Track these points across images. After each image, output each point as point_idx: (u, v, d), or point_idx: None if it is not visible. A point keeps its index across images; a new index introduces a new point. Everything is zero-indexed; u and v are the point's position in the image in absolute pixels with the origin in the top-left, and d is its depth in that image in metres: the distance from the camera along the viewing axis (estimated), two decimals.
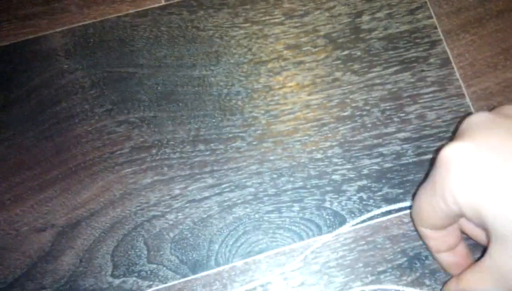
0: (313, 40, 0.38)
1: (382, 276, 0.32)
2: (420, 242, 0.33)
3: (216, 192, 0.35)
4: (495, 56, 0.38)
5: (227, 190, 0.35)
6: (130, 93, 0.37)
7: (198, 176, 0.35)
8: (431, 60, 0.37)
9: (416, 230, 0.30)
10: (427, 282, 0.32)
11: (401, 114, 0.36)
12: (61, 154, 0.36)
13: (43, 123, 0.37)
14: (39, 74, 0.38)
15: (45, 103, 0.37)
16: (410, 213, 0.33)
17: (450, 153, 0.25)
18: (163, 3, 0.39)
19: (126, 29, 0.39)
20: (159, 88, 0.37)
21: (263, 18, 0.39)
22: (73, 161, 0.36)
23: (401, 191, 0.34)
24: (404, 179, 0.35)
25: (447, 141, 0.29)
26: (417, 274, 0.32)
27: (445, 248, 0.29)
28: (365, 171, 0.35)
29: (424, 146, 0.35)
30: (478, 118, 0.26)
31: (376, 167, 0.35)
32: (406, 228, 0.33)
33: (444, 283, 0.31)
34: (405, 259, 0.33)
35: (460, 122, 0.28)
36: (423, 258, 0.32)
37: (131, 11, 0.39)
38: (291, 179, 0.35)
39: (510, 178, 0.23)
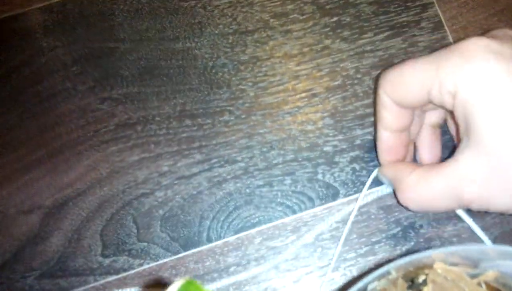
0: (300, 7, 0.38)
1: (376, 246, 0.32)
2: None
3: (206, 167, 0.35)
4: (489, 18, 0.37)
5: (217, 165, 0.35)
6: (113, 69, 0.37)
7: (186, 152, 0.35)
8: (423, 24, 0.37)
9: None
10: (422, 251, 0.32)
11: None
12: (45, 133, 0.36)
13: (25, 103, 0.36)
14: (18, 53, 0.38)
15: (26, 82, 0.37)
16: (378, 75, 0.32)
17: (479, 46, 0.24)
18: None
19: (106, 3, 0.38)
20: (141, 63, 0.37)
21: None
22: (57, 141, 0.35)
23: None
24: None
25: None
26: (412, 243, 0.32)
27: (396, 127, 0.29)
28: (358, 141, 0.35)
29: None
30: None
31: (368, 137, 0.35)
32: None
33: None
34: (399, 228, 0.33)
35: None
36: (418, 227, 0.32)
37: None
38: (282, 152, 0.35)
39: None
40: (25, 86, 0.37)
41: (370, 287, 0.20)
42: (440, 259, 0.20)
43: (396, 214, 0.33)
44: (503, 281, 0.19)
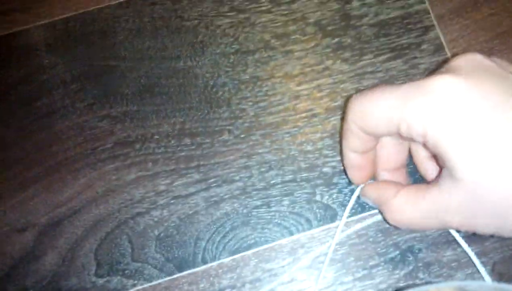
0: (302, 28, 0.38)
1: (374, 270, 0.32)
2: (413, 235, 0.32)
3: (203, 187, 0.35)
4: (490, 40, 0.37)
5: (214, 185, 0.35)
6: (112, 87, 0.37)
7: (184, 171, 0.35)
8: (424, 46, 0.37)
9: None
10: (421, 275, 0.32)
11: None
12: (42, 151, 0.36)
13: (23, 120, 0.37)
14: (19, 70, 0.38)
15: (26, 99, 0.37)
16: (347, 99, 0.32)
17: (442, 84, 0.24)
18: None
19: (108, 21, 0.39)
20: (142, 81, 0.37)
21: (249, 6, 0.38)
22: (54, 158, 0.36)
23: None
24: None
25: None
26: (410, 267, 0.32)
27: (362, 150, 0.29)
28: None
29: None
30: (472, 59, 0.26)
31: None
32: None
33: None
34: (397, 252, 0.32)
35: (450, 58, 0.27)
36: (416, 251, 0.32)
37: (112, 3, 0.39)
38: (281, 172, 0.35)
39: (493, 128, 0.23)
40: (24, 103, 0.37)
41: None
42: None
43: (395, 237, 0.33)
44: None
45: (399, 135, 0.27)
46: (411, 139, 0.27)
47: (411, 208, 0.27)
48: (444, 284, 0.19)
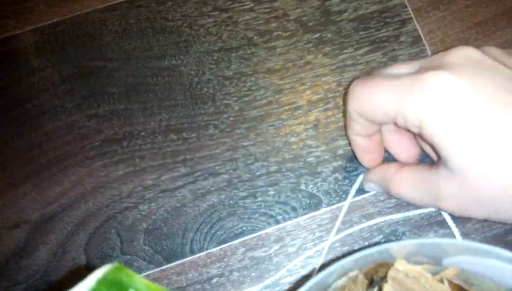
0: (284, 25, 0.39)
1: None
2: (396, 219, 0.33)
3: (190, 180, 0.36)
4: (467, 31, 0.39)
5: (201, 178, 0.36)
6: (100, 87, 0.38)
7: (171, 166, 0.36)
8: (402, 38, 0.38)
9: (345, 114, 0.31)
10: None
11: None
12: (32, 150, 0.37)
13: (14, 122, 0.38)
14: (9, 74, 0.39)
15: (16, 101, 0.38)
16: (348, 86, 0.33)
17: (436, 80, 0.25)
18: None
19: (95, 24, 0.40)
20: (128, 80, 0.38)
21: (232, 6, 0.40)
22: (44, 157, 0.37)
23: None
24: None
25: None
26: None
27: (365, 134, 0.31)
28: (340, 152, 0.36)
29: None
30: (464, 53, 0.27)
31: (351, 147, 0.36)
32: (382, 205, 0.34)
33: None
34: (381, 236, 0.33)
35: (446, 49, 0.28)
36: (400, 234, 0.33)
37: (99, 7, 0.41)
38: (265, 163, 0.36)
39: (485, 121, 0.24)
40: (14, 105, 0.38)
41: (333, 285, 0.20)
42: (401, 258, 0.20)
43: (378, 221, 0.34)
44: (464, 278, 0.20)
45: (396, 124, 0.28)
46: (407, 129, 0.28)
47: (410, 186, 0.29)
48: (403, 242, 0.20)
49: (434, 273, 0.20)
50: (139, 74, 0.39)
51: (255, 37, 0.39)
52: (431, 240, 0.20)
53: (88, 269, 0.34)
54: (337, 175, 0.35)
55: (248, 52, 0.39)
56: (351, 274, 0.20)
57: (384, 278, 0.19)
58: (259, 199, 0.35)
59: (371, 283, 0.20)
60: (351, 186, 0.35)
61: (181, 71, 0.39)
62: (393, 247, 0.20)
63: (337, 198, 0.34)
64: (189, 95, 0.38)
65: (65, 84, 0.39)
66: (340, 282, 0.20)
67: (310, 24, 0.39)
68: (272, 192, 0.35)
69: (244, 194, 0.35)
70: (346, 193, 0.34)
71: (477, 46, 0.35)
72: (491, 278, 0.20)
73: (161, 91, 0.38)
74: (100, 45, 0.40)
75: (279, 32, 0.39)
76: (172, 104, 0.38)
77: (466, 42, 0.38)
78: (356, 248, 0.33)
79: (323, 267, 0.33)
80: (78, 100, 0.38)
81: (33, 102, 0.38)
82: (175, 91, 0.38)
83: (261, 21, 0.40)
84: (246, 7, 0.40)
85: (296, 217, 0.34)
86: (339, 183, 0.35)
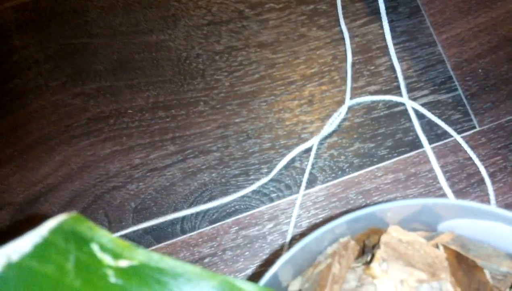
0: None
1: None
2: (393, 195, 0.33)
3: (179, 158, 0.35)
4: (467, 1, 0.38)
5: (191, 156, 0.35)
6: (85, 64, 0.38)
7: (159, 144, 0.36)
8: (400, 9, 0.38)
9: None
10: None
11: (371, 67, 0.37)
12: (16, 131, 0.37)
13: None
14: None
15: None
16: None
17: None
18: None
19: (79, 0, 0.40)
20: (114, 57, 0.38)
21: None
22: (29, 137, 0.36)
23: (372, 145, 0.35)
24: (376, 132, 0.35)
25: None
26: None
27: None
28: (335, 127, 0.35)
29: (395, 97, 0.36)
30: None
31: (346, 122, 0.35)
32: (379, 181, 0.34)
33: None
34: None
35: None
36: None
37: None
38: (258, 140, 0.35)
39: None
40: None
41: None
42: (395, 224, 0.20)
43: (375, 198, 0.33)
44: (461, 243, 0.19)
45: None
46: None
47: None
48: (400, 202, 0.19)
49: (429, 239, 0.20)
50: (125, 50, 0.38)
51: (246, 10, 0.39)
52: (426, 199, 0.19)
53: None
54: (332, 151, 0.35)
55: (239, 25, 0.38)
56: (342, 240, 0.20)
57: (376, 245, 0.19)
58: (252, 177, 0.35)
59: (363, 252, 0.20)
60: (347, 162, 0.34)
61: (169, 46, 0.38)
62: (385, 207, 0.19)
63: (333, 175, 0.34)
64: (178, 71, 0.37)
65: (49, 62, 0.38)
66: (330, 249, 0.20)
67: None
68: (265, 170, 0.35)
69: (237, 172, 0.35)
70: (342, 170, 0.34)
71: (477, 17, 0.35)
72: (488, 243, 0.20)
73: (149, 67, 0.37)
74: (85, 22, 0.39)
75: (272, 4, 0.39)
76: (160, 81, 0.37)
77: (466, 12, 0.38)
78: None
79: None
80: (63, 79, 0.38)
81: (16, 82, 0.38)
82: (163, 67, 0.37)
83: None
84: None
85: (290, 195, 0.34)
86: (335, 159, 0.34)
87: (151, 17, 0.39)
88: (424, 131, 0.34)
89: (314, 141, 0.34)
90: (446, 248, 0.19)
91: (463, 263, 0.18)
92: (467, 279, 0.18)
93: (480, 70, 0.36)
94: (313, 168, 0.34)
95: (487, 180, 0.33)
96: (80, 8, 0.39)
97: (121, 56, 0.38)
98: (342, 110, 0.35)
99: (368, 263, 0.18)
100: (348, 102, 0.35)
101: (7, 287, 0.12)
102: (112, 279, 0.14)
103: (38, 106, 0.37)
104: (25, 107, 0.37)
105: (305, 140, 0.35)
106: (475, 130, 0.34)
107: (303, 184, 0.33)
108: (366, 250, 0.20)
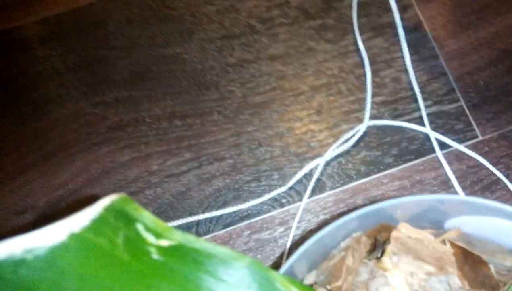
0: (285, 12, 0.41)
1: None
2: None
3: (195, 165, 0.37)
4: (467, 16, 0.40)
5: (206, 163, 0.37)
6: (105, 75, 0.40)
7: (176, 151, 0.38)
8: (404, 24, 0.40)
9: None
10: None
11: (377, 79, 0.39)
12: (38, 138, 0.39)
13: (21, 110, 0.39)
14: (15, 64, 0.41)
15: (22, 90, 0.40)
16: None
17: None
18: None
19: (99, 14, 0.42)
20: (133, 68, 0.40)
21: None
22: (50, 144, 0.38)
23: (379, 153, 0.36)
24: (382, 141, 0.37)
25: None
26: None
27: None
28: (343, 136, 0.37)
29: (400, 108, 0.38)
30: None
31: (353, 132, 0.37)
32: (385, 188, 0.35)
33: None
34: None
35: None
36: None
37: None
38: (269, 148, 0.37)
39: None
40: (21, 94, 0.40)
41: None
42: (404, 221, 0.22)
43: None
44: (467, 240, 0.21)
45: None
46: None
47: None
48: (411, 197, 0.21)
49: (436, 236, 0.21)
50: (143, 62, 0.40)
51: (258, 25, 0.41)
52: (434, 196, 0.21)
53: None
54: (340, 159, 0.37)
55: (251, 39, 0.40)
56: (355, 234, 0.22)
57: (386, 241, 0.20)
58: (264, 183, 0.36)
59: (374, 248, 0.22)
60: (353, 170, 0.36)
61: (185, 58, 0.40)
62: (395, 203, 0.21)
63: (341, 182, 0.36)
64: (193, 82, 0.39)
65: (70, 73, 0.40)
66: (343, 243, 0.21)
67: (312, 11, 0.41)
68: (276, 176, 0.37)
69: (249, 178, 0.37)
70: (350, 177, 0.36)
71: (477, 32, 0.37)
72: (493, 239, 0.21)
73: (165, 78, 0.40)
74: (104, 34, 0.41)
75: (281, 20, 0.41)
76: (176, 91, 0.39)
77: (467, 27, 0.40)
78: None
79: None
80: (83, 88, 0.40)
81: (39, 91, 0.40)
82: (179, 78, 0.40)
83: (263, 9, 0.41)
84: None
85: (300, 201, 0.36)
86: (343, 166, 0.36)
87: (167, 31, 0.41)
88: (428, 140, 0.36)
89: (329, 155, 0.36)
90: (453, 244, 0.21)
91: (469, 259, 0.20)
92: (473, 273, 0.20)
93: (481, 82, 0.38)
94: (322, 175, 0.36)
95: (505, 180, 0.35)
96: (100, 22, 0.42)
97: (138, 68, 0.40)
98: (361, 129, 0.37)
99: (379, 258, 0.20)
100: (367, 122, 0.37)
101: (70, 254, 0.14)
102: (155, 256, 0.16)
103: (59, 115, 0.39)
104: (48, 115, 0.39)
105: (313, 148, 0.37)
106: (477, 139, 0.36)
107: (308, 191, 0.35)
108: (377, 245, 0.22)
